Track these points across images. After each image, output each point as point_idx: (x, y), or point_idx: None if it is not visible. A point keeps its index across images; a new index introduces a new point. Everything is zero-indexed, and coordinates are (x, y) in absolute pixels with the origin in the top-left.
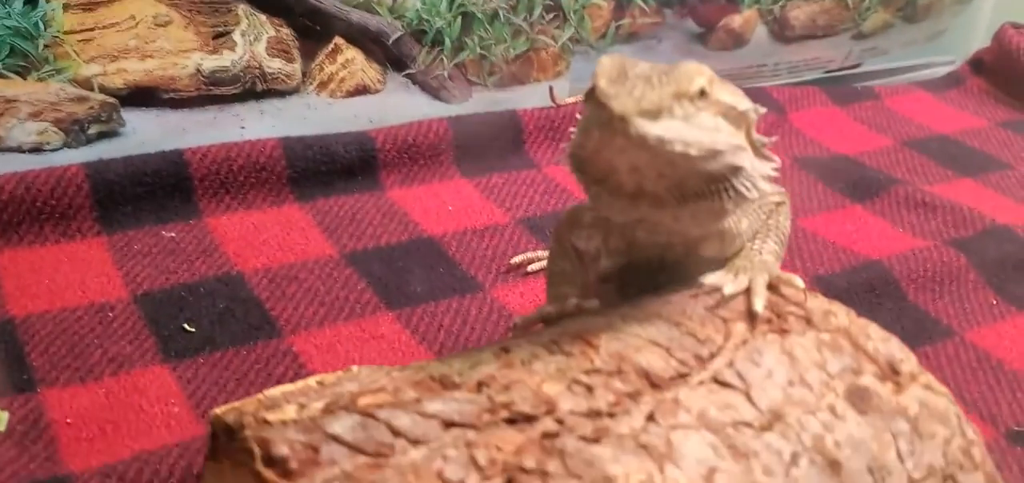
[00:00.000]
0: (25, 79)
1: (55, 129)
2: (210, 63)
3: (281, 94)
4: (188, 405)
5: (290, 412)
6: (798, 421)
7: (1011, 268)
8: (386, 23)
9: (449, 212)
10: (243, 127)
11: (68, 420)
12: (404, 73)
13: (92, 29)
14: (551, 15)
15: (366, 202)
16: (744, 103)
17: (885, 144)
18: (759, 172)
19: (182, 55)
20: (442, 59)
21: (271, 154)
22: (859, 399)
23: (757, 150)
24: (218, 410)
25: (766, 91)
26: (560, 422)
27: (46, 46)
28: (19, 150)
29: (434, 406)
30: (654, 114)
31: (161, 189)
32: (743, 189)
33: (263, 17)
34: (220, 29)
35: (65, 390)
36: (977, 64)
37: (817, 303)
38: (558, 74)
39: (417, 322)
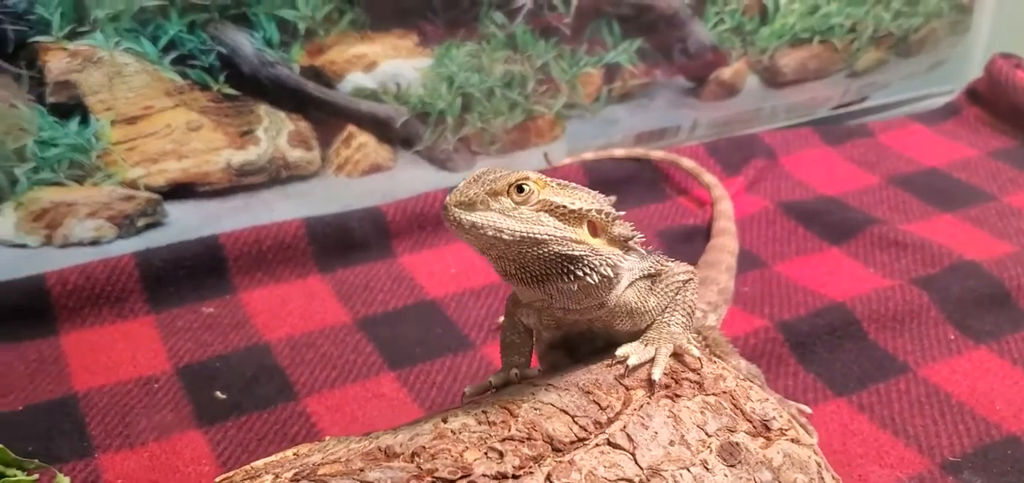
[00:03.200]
0: (82, 185)
1: (109, 224)
2: (238, 158)
3: (303, 178)
4: (215, 464)
5: (267, 480)
6: (673, 476)
7: (972, 303)
8: (392, 109)
9: (452, 274)
10: (272, 210)
11: (119, 481)
12: (412, 150)
13: (135, 139)
14: (544, 88)
15: (379, 269)
16: (581, 204)
17: (871, 182)
18: (611, 263)
19: (213, 153)
20: (446, 135)
21: (295, 233)
22: (729, 454)
23: (619, 243)
24: (217, 479)
25: (758, 137)
26: None
27: (98, 156)
28: (80, 244)
29: (373, 474)
30: (468, 206)
31: (200, 270)
32: (583, 274)
33: (282, 114)
34: (245, 128)
35: (117, 455)
36: (973, 94)
37: (711, 369)
38: (555, 138)
39: (414, 380)
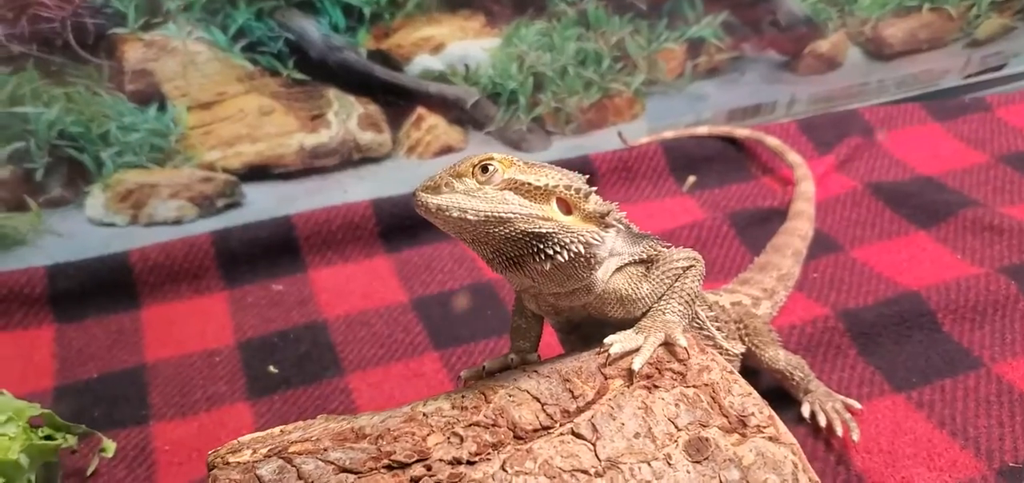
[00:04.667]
0: (163, 168)
1: (190, 205)
2: (310, 141)
3: (375, 160)
4: None
5: (246, 455)
6: (631, 469)
7: None
8: (463, 90)
9: None
10: (345, 191)
11: (166, 448)
12: (484, 131)
13: (210, 124)
14: (620, 65)
15: (443, 251)
16: (547, 181)
17: (979, 161)
18: (583, 240)
19: (286, 136)
20: (519, 115)
21: (363, 213)
22: (696, 450)
23: (595, 220)
24: (209, 453)
25: (858, 113)
26: (428, 468)
27: (176, 141)
28: (165, 223)
29: (335, 454)
30: (433, 189)
31: (274, 249)
32: (554, 252)
33: (351, 98)
34: (315, 112)
35: (170, 423)
36: None
37: (699, 360)
38: (635, 116)
39: (455, 361)
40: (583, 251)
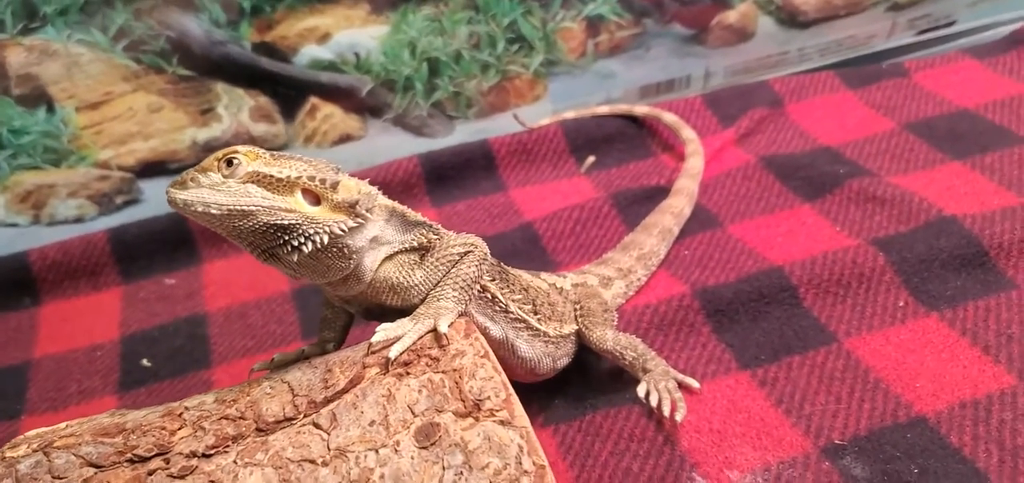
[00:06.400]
0: (59, 168)
1: (90, 203)
2: (203, 135)
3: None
4: None
5: (21, 450)
6: (357, 457)
7: (938, 266)
8: (355, 79)
9: None
10: None
11: None
12: (383, 118)
13: (101, 123)
14: (517, 46)
15: None
16: (289, 172)
17: (884, 129)
18: (327, 230)
19: (177, 132)
20: (417, 101)
21: None
22: (424, 435)
23: (344, 210)
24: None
25: (767, 84)
26: (166, 462)
27: (69, 141)
28: (66, 222)
29: (87, 449)
30: (181, 184)
31: (169, 244)
32: (298, 244)
33: (240, 90)
34: (205, 106)
35: (41, 417)
36: None
37: (458, 345)
38: (537, 97)
39: None
40: (328, 242)
